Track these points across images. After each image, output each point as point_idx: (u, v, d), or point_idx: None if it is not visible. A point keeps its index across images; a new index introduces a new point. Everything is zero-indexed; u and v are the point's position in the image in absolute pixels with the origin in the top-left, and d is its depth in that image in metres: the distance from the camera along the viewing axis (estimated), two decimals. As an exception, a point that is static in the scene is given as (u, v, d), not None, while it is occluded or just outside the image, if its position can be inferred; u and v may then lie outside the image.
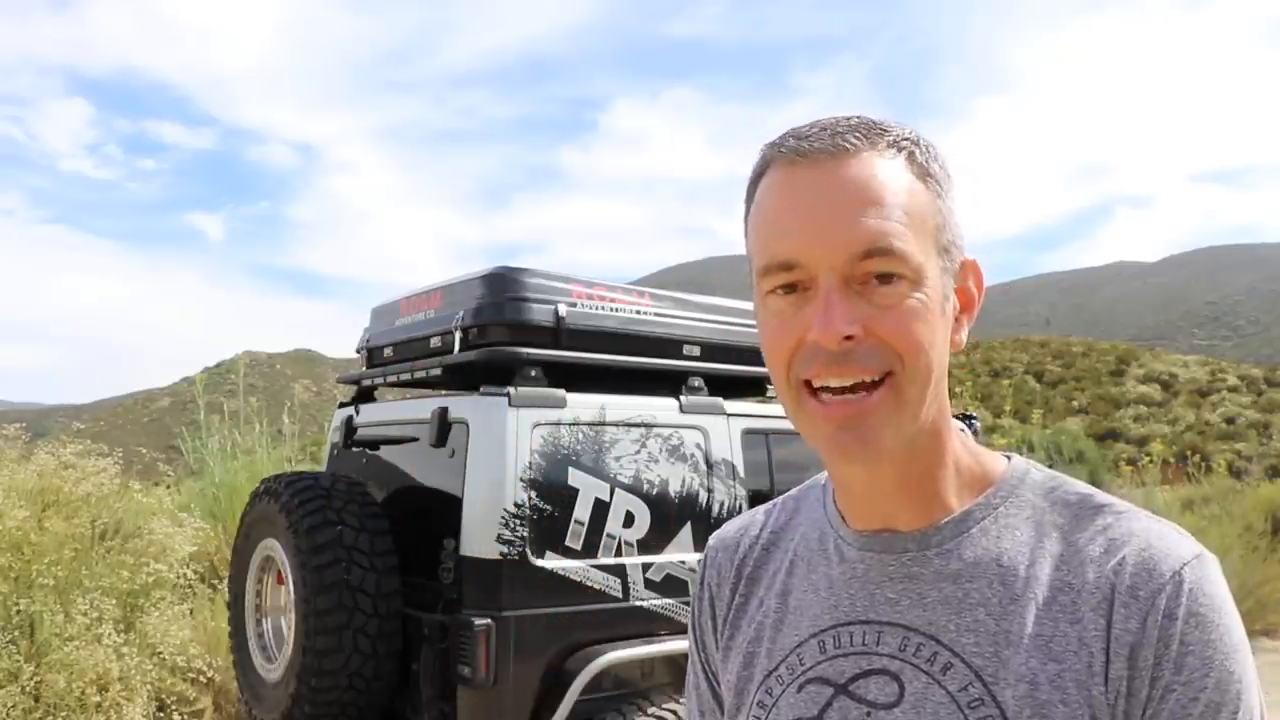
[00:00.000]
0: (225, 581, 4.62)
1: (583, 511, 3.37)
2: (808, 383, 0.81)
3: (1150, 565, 0.79)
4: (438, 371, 3.63)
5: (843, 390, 0.80)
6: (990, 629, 0.80)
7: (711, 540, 1.06)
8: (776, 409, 4.25)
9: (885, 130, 0.82)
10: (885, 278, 0.79)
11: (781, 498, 1.04)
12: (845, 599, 0.88)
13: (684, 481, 3.62)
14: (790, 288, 0.81)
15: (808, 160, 0.81)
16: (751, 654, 0.93)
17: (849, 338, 0.78)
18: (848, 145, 0.80)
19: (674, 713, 3.25)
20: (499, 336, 3.51)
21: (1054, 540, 0.83)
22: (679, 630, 3.50)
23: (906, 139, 0.83)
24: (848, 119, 0.83)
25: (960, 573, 0.83)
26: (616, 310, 3.71)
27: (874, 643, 0.84)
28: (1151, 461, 12.73)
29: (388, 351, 4.10)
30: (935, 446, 0.86)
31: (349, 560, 3.23)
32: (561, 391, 3.41)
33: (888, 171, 0.80)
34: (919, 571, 0.85)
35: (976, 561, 0.83)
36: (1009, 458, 0.91)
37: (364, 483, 3.65)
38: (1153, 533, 0.81)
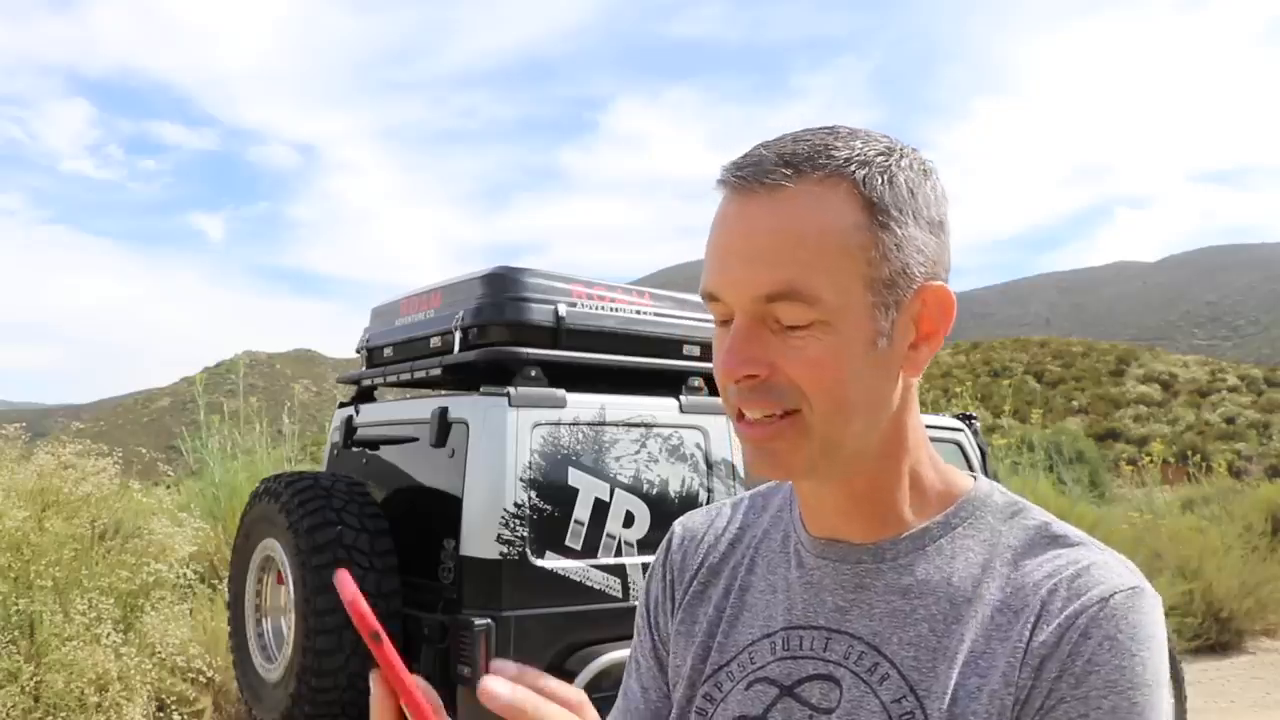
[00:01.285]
0: (225, 581, 4.62)
1: (583, 511, 3.37)
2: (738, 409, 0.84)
3: (1082, 588, 0.79)
4: (438, 371, 3.63)
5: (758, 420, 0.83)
6: (931, 644, 0.82)
7: (678, 523, 1.07)
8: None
9: (831, 155, 0.80)
10: (794, 319, 0.79)
11: (751, 493, 1.05)
12: (800, 603, 0.89)
13: (684, 481, 3.62)
14: (724, 321, 0.83)
15: (736, 192, 0.82)
16: (705, 645, 0.94)
17: (752, 376, 0.80)
18: (774, 180, 0.79)
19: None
20: (499, 336, 3.51)
21: (1005, 563, 0.84)
22: (679, 630, 3.50)
23: (855, 162, 0.80)
24: (797, 140, 0.81)
25: (910, 588, 0.85)
26: (616, 310, 3.71)
27: (821, 648, 0.86)
28: (1151, 461, 12.72)
29: (388, 351, 4.10)
30: (884, 467, 0.87)
31: (349, 560, 3.23)
32: (561, 391, 3.41)
33: (812, 208, 0.78)
34: (871, 583, 0.86)
35: (927, 579, 0.84)
36: (975, 478, 0.91)
37: (364, 483, 3.65)
38: (1097, 562, 0.81)
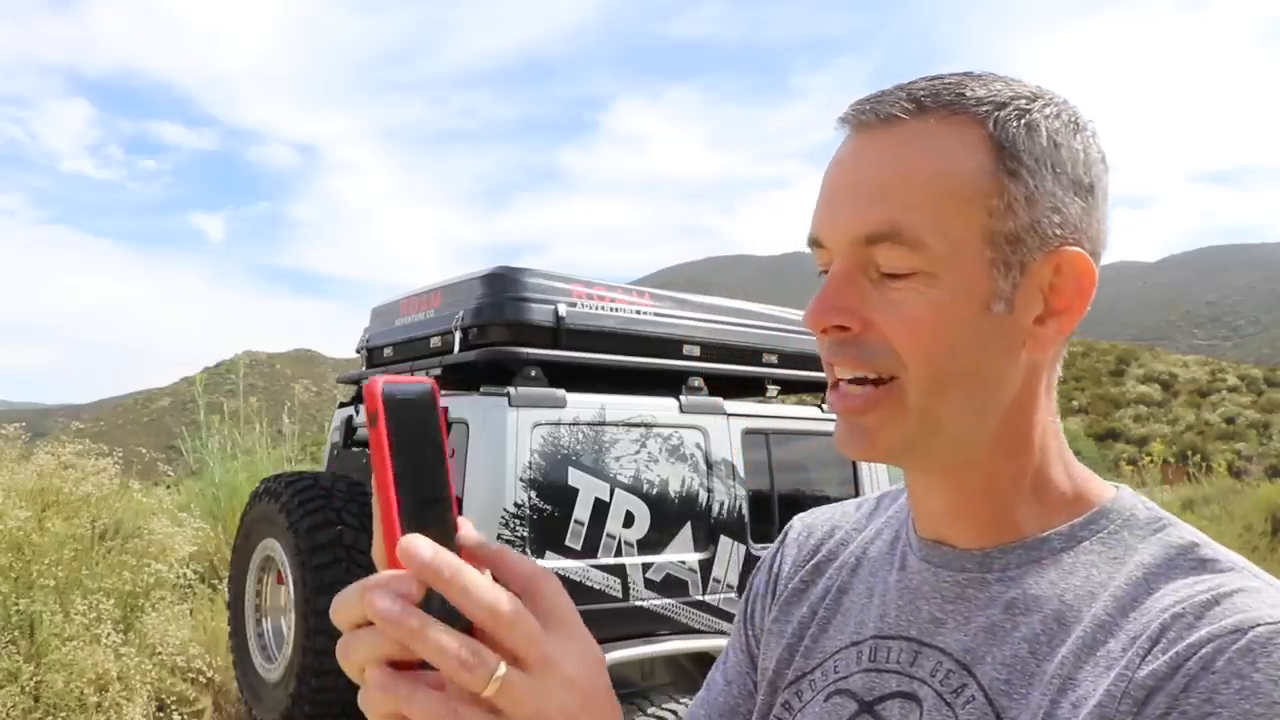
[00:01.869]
0: (225, 581, 4.62)
1: (583, 511, 3.37)
2: (831, 366, 0.76)
3: (1216, 615, 0.65)
4: (438, 371, 3.64)
5: (852, 381, 0.74)
6: (1027, 667, 0.71)
7: (796, 518, 1.00)
8: (776, 409, 4.25)
9: (963, 94, 0.72)
10: (896, 267, 0.71)
11: (879, 494, 0.96)
12: (893, 610, 0.81)
13: (684, 481, 3.62)
14: (825, 268, 0.75)
15: (854, 129, 0.75)
16: (791, 648, 0.87)
17: (843, 328, 0.72)
18: (894, 113, 0.72)
19: (674, 713, 3.25)
20: (499, 336, 3.51)
21: (1131, 582, 0.71)
22: (679, 630, 3.50)
23: (989, 102, 0.72)
24: (932, 80, 0.74)
25: (1015, 602, 0.74)
26: (616, 310, 3.71)
27: (909, 663, 0.77)
28: (1151, 461, 12.73)
29: (388, 351, 4.11)
30: (1003, 464, 0.76)
31: (349, 560, 3.23)
32: (561, 391, 3.42)
33: (933, 145, 0.71)
34: (973, 594, 0.76)
35: (1037, 594, 0.74)
36: (1118, 488, 0.80)
37: (364, 483, 3.65)
38: (1246, 589, 0.66)
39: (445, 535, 0.54)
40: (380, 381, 0.53)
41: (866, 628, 0.82)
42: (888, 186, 0.71)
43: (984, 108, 0.72)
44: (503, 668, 0.52)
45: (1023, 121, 0.71)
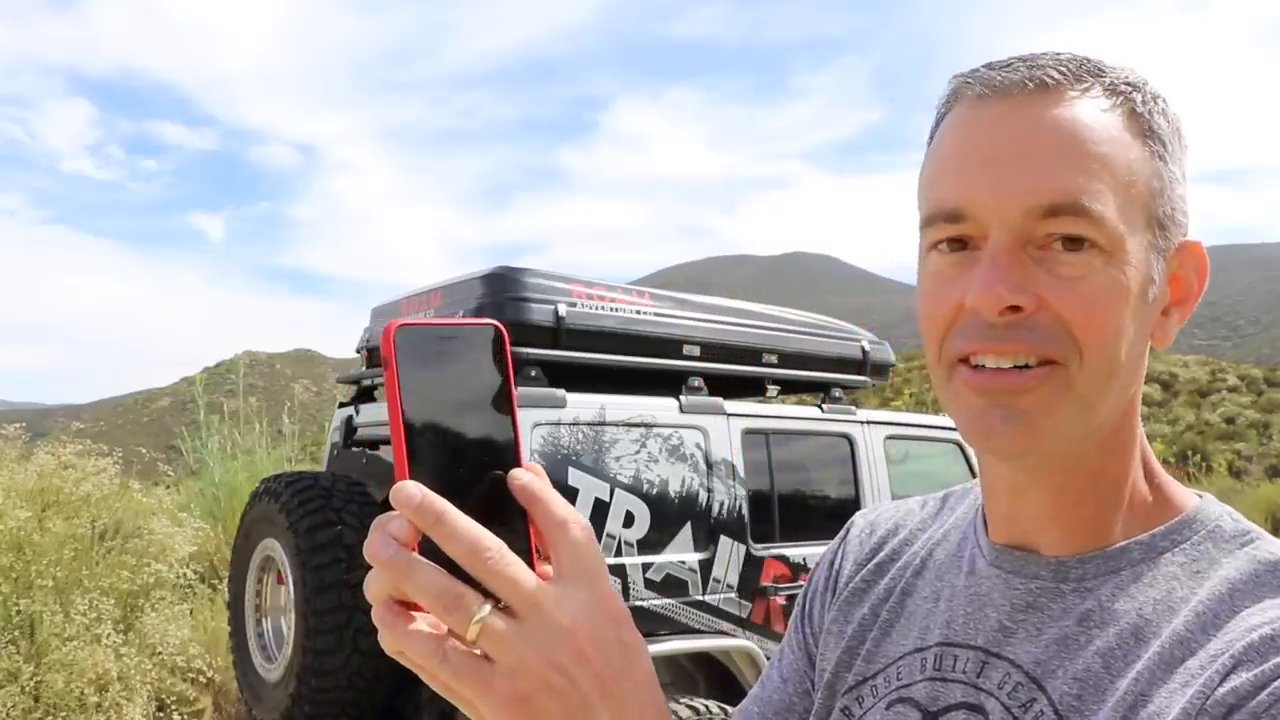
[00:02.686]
0: (225, 581, 4.62)
1: (583, 511, 3.37)
2: (965, 360, 0.69)
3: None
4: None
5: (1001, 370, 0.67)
6: (1101, 682, 0.68)
7: (859, 514, 0.96)
8: (776, 409, 4.25)
9: (1101, 71, 0.69)
10: (1073, 242, 0.65)
11: (944, 492, 0.92)
12: (960, 617, 0.77)
13: (684, 481, 3.62)
14: (957, 243, 0.69)
15: (998, 95, 0.68)
16: (853, 650, 0.84)
17: (1015, 308, 0.65)
18: (1049, 79, 0.67)
19: (674, 713, 3.25)
20: (499, 336, 3.51)
21: (1215, 598, 0.67)
22: (679, 630, 3.50)
23: (1128, 84, 0.69)
24: (1058, 53, 0.70)
25: (1090, 615, 0.70)
26: (616, 310, 3.71)
27: (975, 673, 0.74)
28: (1151, 461, 12.69)
29: (388, 351, 4.11)
30: (1109, 464, 0.72)
31: (349, 560, 3.23)
32: (561, 391, 3.42)
33: (1094, 117, 0.67)
34: (1046, 604, 0.73)
35: (1113, 606, 0.70)
36: (1201, 496, 0.75)
37: (364, 483, 3.66)
38: None
39: (470, 478, 0.54)
40: (395, 324, 0.53)
41: (931, 634, 0.78)
42: (1067, 151, 0.66)
43: (1127, 88, 0.69)
44: (485, 609, 0.52)
45: (1160, 105, 0.69)
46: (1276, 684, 0.59)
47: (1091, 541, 0.72)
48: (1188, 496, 0.75)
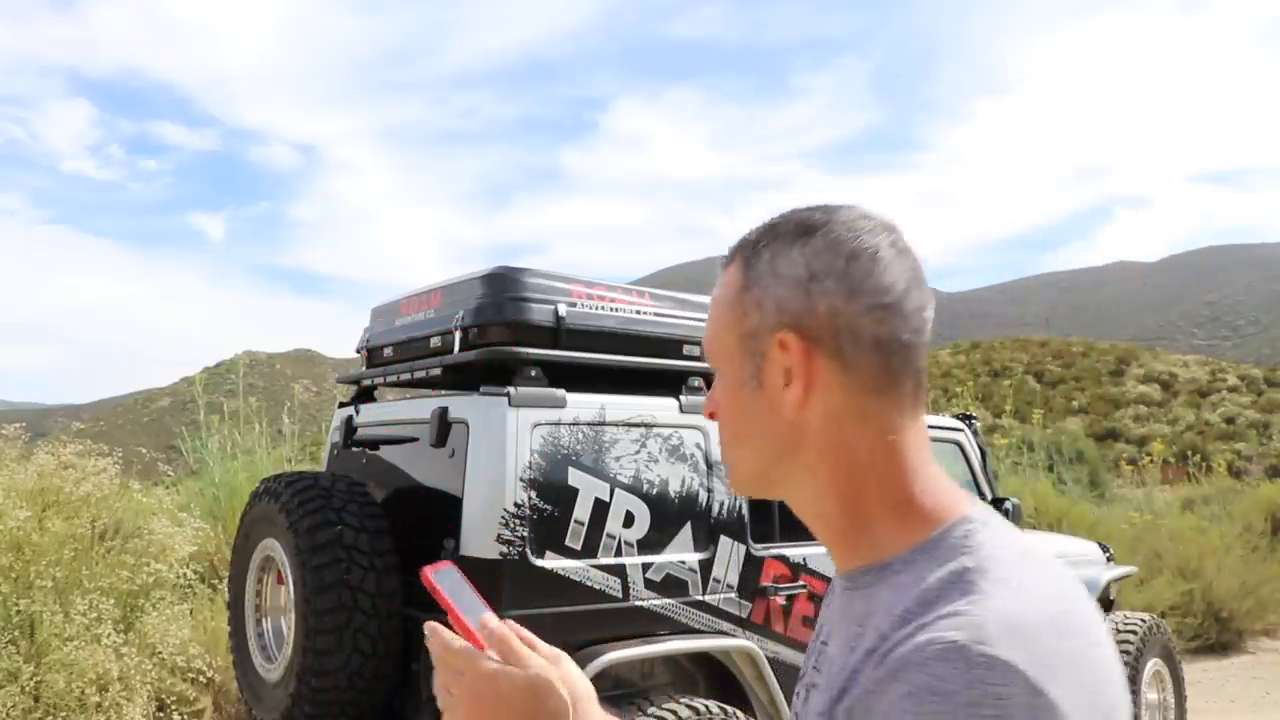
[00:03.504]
0: (225, 581, 4.62)
1: (583, 511, 3.37)
2: None
3: (917, 630, 0.75)
4: (438, 371, 3.63)
5: None
6: (849, 665, 0.84)
7: None
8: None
9: (750, 239, 0.95)
10: None
11: None
12: (825, 620, 0.99)
13: (684, 481, 3.62)
14: None
15: None
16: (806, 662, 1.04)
17: (711, 414, 0.99)
18: (723, 261, 0.98)
19: (674, 713, 3.24)
20: (499, 336, 3.50)
21: (913, 598, 0.81)
22: (679, 630, 3.50)
23: (749, 243, 0.94)
24: (765, 222, 0.96)
25: (864, 615, 0.86)
26: (616, 310, 3.71)
27: (815, 660, 0.95)
28: (1151, 461, 12.73)
29: (388, 351, 4.10)
30: (824, 497, 0.91)
31: (349, 560, 3.23)
32: (561, 391, 3.41)
33: (724, 283, 0.96)
34: (845, 606, 0.90)
35: (871, 611, 0.85)
36: (973, 505, 0.88)
37: (364, 483, 3.65)
38: (970, 612, 0.74)
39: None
40: (429, 571, 0.99)
41: (818, 635, 1.00)
42: (710, 316, 1.03)
43: (746, 246, 0.96)
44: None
45: (765, 242, 0.95)
46: (876, 671, 0.77)
47: (865, 555, 0.89)
48: (959, 508, 0.87)
